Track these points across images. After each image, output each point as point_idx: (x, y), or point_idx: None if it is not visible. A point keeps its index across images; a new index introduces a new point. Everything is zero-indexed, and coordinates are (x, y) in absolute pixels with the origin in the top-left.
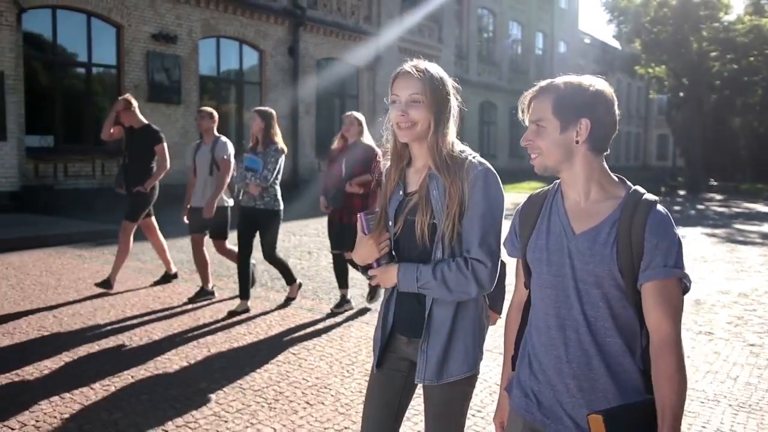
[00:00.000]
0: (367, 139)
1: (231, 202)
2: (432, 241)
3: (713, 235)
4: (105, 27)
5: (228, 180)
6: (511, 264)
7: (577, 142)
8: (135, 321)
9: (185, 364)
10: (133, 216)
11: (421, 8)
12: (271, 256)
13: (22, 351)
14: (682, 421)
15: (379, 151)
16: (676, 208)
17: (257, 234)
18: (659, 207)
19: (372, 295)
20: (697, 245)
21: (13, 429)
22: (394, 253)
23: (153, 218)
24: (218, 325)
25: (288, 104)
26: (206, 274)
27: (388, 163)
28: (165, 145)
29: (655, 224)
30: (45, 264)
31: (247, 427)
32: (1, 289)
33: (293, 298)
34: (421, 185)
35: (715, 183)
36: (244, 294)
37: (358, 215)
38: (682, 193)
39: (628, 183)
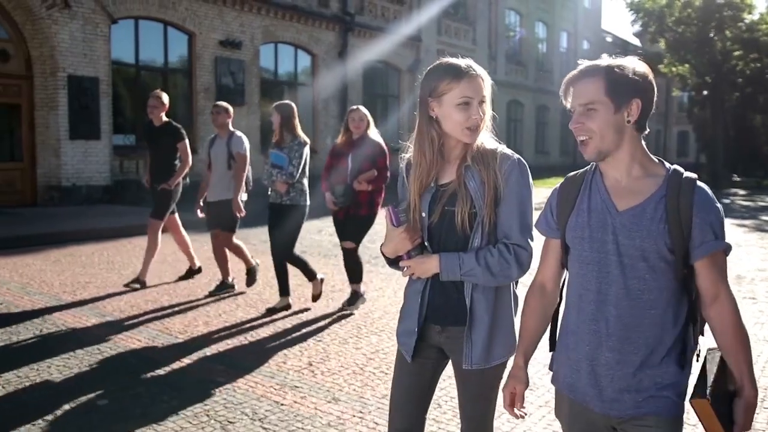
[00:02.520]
0: (374, 134)
1: (245, 197)
2: (471, 229)
3: (743, 226)
4: (179, 35)
5: (245, 174)
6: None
7: (628, 122)
8: (169, 312)
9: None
10: (160, 213)
11: (457, 12)
12: (287, 252)
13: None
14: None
15: (385, 146)
16: None
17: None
18: (701, 184)
19: (352, 301)
20: (731, 233)
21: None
22: (426, 243)
23: (177, 215)
24: (244, 319)
25: (337, 105)
26: (226, 268)
27: (407, 156)
28: (187, 142)
29: (701, 201)
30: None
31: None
32: (76, 277)
33: (319, 294)
34: (458, 175)
35: (737, 179)
36: (283, 291)
37: (387, 208)
38: None
39: (666, 163)
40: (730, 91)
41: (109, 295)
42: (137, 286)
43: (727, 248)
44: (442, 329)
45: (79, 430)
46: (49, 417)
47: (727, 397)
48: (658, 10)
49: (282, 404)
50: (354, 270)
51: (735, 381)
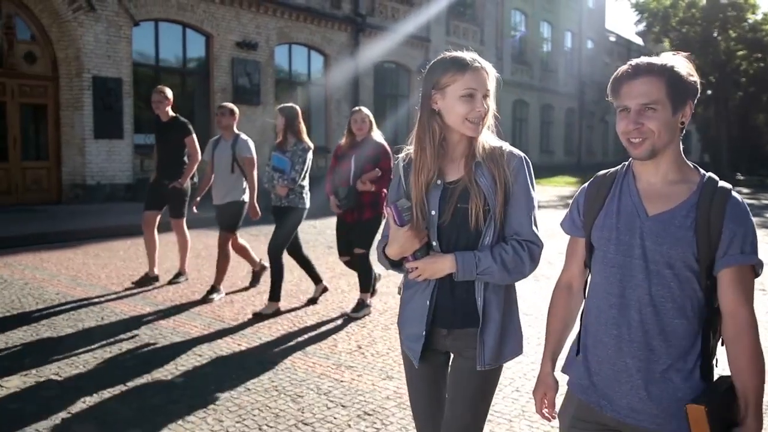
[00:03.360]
0: (377, 135)
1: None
2: (483, 226)
3: None
4: (197, 36)
5: (256, 177)
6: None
7: (682, 124)
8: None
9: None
10: (178, 212)
11: (465, 13)
12: (275, 252)
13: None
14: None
15: (388, 148)
16: None
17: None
18: (735, 194)
19: (357, 309)
20: None
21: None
22: (435, 243)
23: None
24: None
25: (349, 104)
26: (251, 259)
27: (405, 154)
28: (194, 136)
29: (734, 212)
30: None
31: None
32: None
33: (318, 298)
34: (467, 173)
35: (741, 177)
36: (316, 280)
37: (390, 207)
38: None
39: (701, 170)
40: (734, 90)
41: (155, 288)
42: (181, 279)
43: (758, 265)
44: (449, 332)
45: (163, 403)
46: (133, 393)
47: (728, 424)
48: (663, 10)
49: (342, 381)
50: (364, 277)
51: (739, 409)
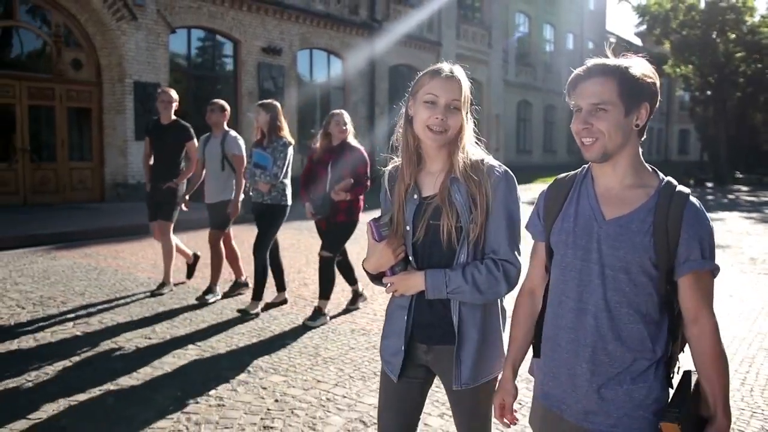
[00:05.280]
0: (354, 140)
1: (241, 197)
2: (457, 244)
3: (750, 218)
4: (226, 43)
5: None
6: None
7: (636, 126)
8: (143, 322)
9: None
10: (168, 215)
11: (474, 17)
12: (260, 253)
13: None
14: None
15: (366, 154)
16: (709, 197)
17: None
18: (693, 199)
19: (314, 318)
20: (739, 224)
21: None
22: (411, 258)
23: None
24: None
25: (365, 106)
26: (238, 267)
27: (390, 167)
28: (196, 141)
29: (691, 216)
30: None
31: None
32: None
33: (272, 306)
34: (442, 188)
35: (740, 175)
36: (280, 287)
37: (368, 223)
38: (710, 185)
39: (660, 173)
40: (732, 91)
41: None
42: (165, 290)
43: (715, 269)
44: (429, 348)
45: (291, 365)
46: (264, 364)
47: (698, 422)
48: (664, 13)
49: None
50: (325, 284)
51: (708, 407)
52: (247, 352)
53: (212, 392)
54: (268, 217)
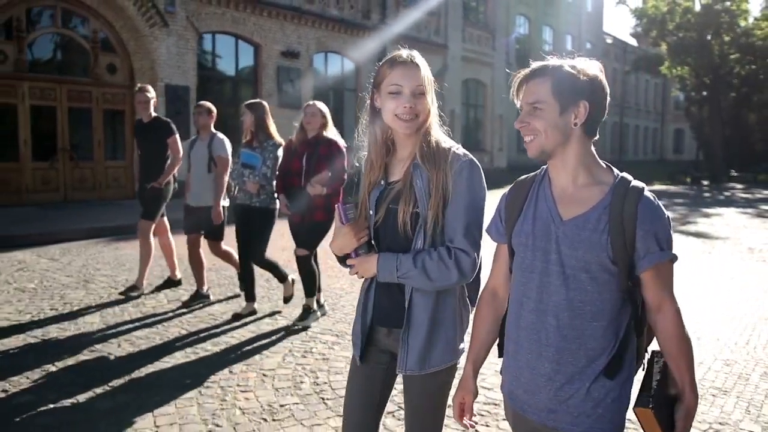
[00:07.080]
0: (331, 133)
1: (227, 202)
2: (414, 230)
3: (746, 213)
4: (247, 47)
5: (227, 179)
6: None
7: (575, 125)
8: (122, 328)
9: (177, 369)
10: (151, 214)
11: (478, 20)
12: (260, 259)
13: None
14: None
15: (343, 146)
16: (706, 195)
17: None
18: (648, 193)
19: (303, 317)
20: (736, 218)
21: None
22: (374, 242)
23: (165, 218)
24: (218, 329)
25: None
26: (202, 276)
27: (366, 153)
28: (177, 136)
29: (646, 211)
30: None
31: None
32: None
33: (291, 296)
34: (405, 174)
35: (735, 174)
36: (249, 296)
37: (336, 205)
38: (705, 183)
39: (615, 170)
40: (727, 91)
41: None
42: (135, 294)
43: (673, 258)
44: (389, 332)
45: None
46: (301, 353)
47: (668, 401)
48: (660, 15)
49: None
50: (308, 282)
51: (677, 386)
52: (248, 353)
53: (215, 394)
54: (258, 222)
